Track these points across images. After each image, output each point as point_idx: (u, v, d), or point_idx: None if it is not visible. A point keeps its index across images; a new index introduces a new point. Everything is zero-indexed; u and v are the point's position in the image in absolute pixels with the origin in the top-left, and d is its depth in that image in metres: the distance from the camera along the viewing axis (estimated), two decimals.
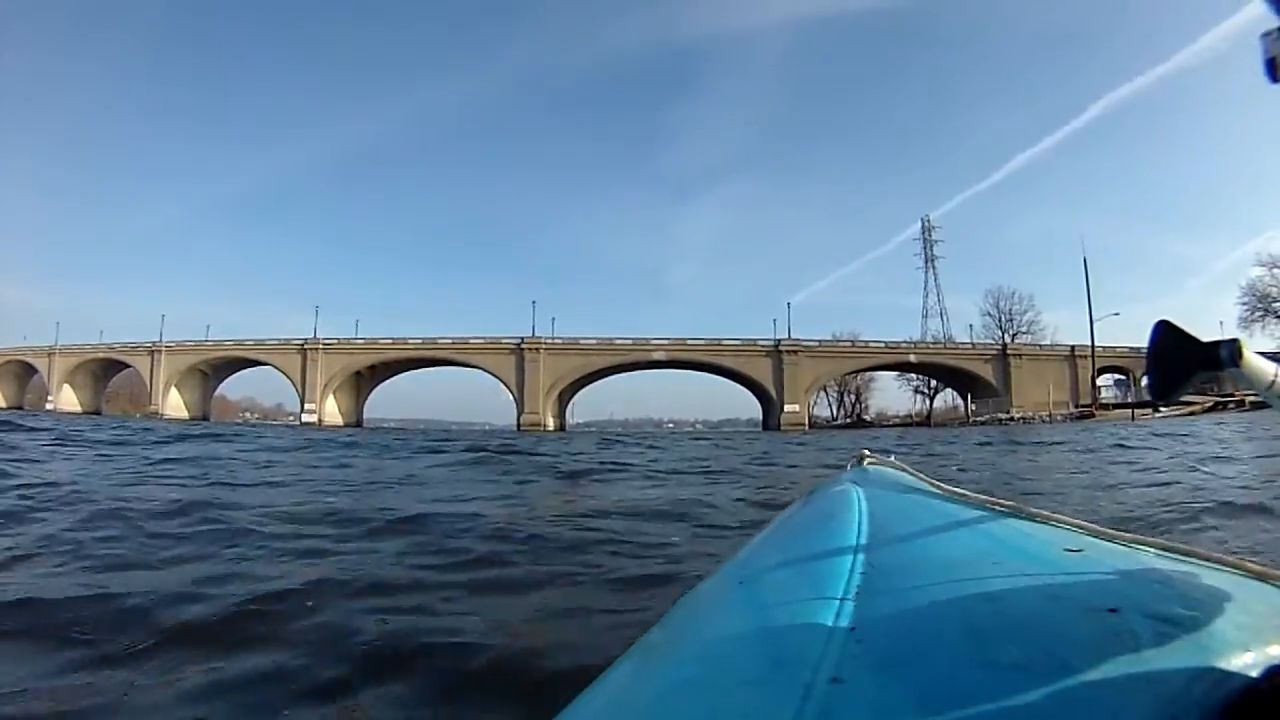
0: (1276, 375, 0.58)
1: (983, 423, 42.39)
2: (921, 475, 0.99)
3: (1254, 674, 0.45)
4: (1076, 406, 44.02)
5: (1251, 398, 28.89)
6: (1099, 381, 46.90)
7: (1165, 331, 0.60)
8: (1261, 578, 0.62)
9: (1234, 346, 0.56)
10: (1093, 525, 0.74)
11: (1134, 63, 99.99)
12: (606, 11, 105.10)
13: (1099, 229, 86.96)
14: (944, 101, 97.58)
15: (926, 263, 57.40)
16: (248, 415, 65.37)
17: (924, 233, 57.55)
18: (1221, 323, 41.91)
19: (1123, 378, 49.90)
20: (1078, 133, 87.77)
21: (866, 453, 1.10)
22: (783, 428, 42.22)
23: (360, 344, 50.14)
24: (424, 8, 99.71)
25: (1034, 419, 41.91)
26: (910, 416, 54.00)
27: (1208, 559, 0.65)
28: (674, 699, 0.53)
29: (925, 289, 57.93)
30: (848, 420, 54.32)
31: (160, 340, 52.19)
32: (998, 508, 0.81)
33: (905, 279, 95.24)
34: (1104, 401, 44.29)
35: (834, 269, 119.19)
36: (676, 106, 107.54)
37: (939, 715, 0.43)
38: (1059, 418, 41.55)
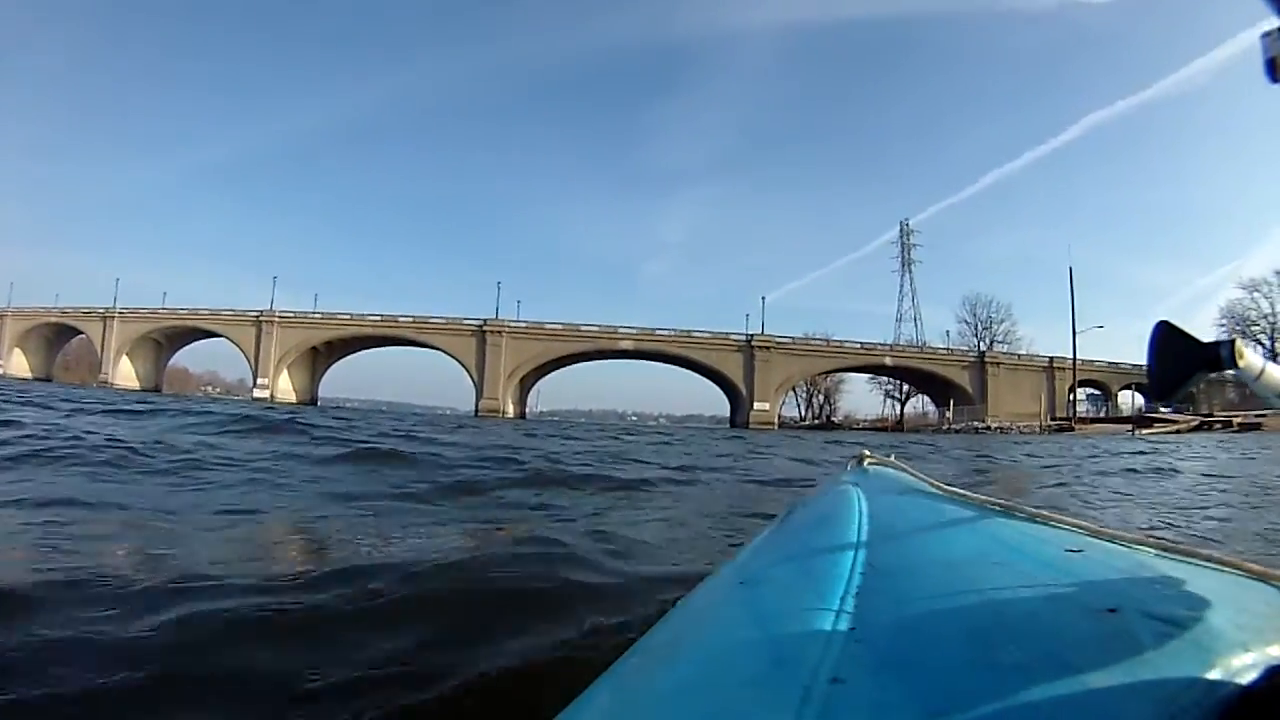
0: (1275, 375, 0.58)
1: (958, 430, 41.35)
2: (921, 475, 0.99)
3: (1254, 674, 0.45)
4: (1053, 419, 43.19)
5: (1240, 419, 28.35)
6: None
7: (1166, 331, 0.60)
8: (1261, 578, 0.63)
9: (1233, 347, 0.56)
10: (1093, 525, 0.75)
11: (1116, 88, 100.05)
12: (593, 4, 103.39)
13: (1070, 249, 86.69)
14: (924, 113, 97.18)
15: (903, 266, 56.42)
16: (209, 389, 63.59)
17: (902, 236, 56.51)
18: None
19: (1097, 392, 49.21)
20: (1056, 152, 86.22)
21: (866, 453, 1.10)
22: (751, 426, 41.03)
23: (317, 318, 48.35)
24: None
25: (1011, 429, 40.88)
26: (880, 421, 52.92)
27: (1207, 559, 0.66)
28: (674, 699, 0.53)
29: (900, 292, 56.59)
30: (816, 422, 53.16)
31: (114, 306, 50.19)
32: (998, 508, 0.81)
33: (877, 287, 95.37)
34: (1080, 415, 43.59)
35: (806, 273, 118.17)
36: (658, 104, 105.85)
37: (939, 715, 0.43)
38: (1038, 429, 40.63)
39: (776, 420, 44.72)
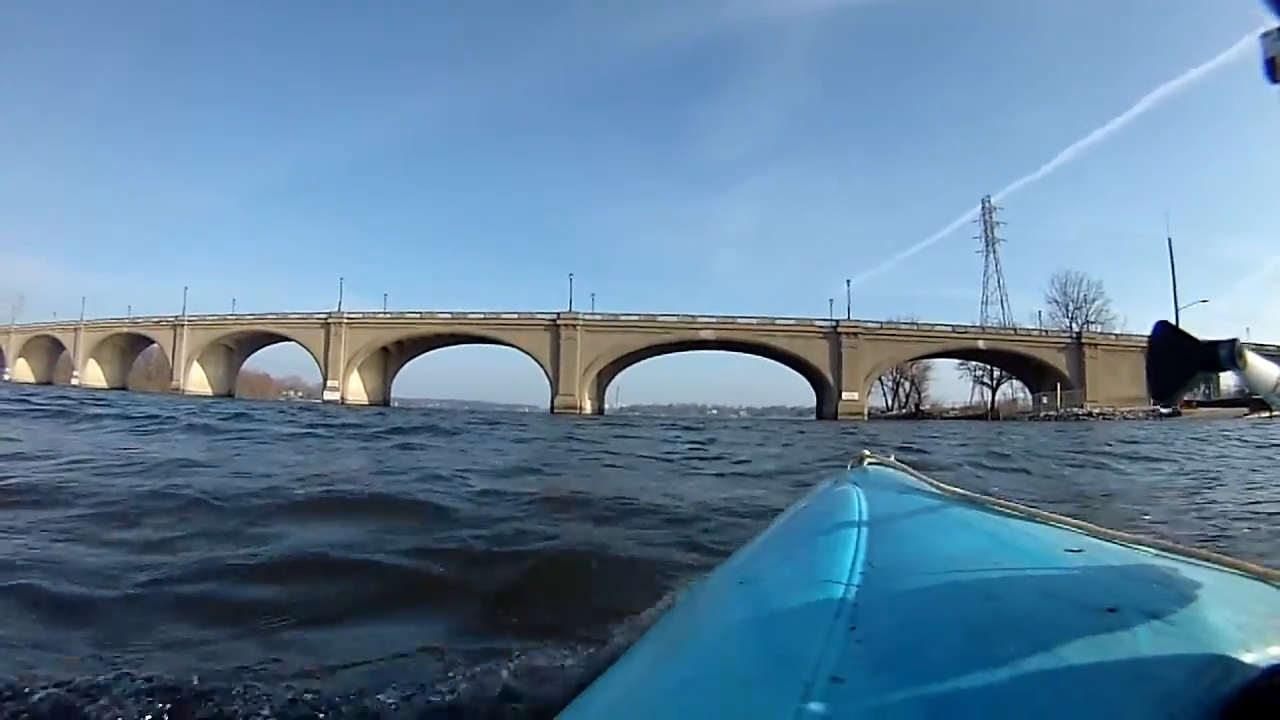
0: (1277, 376, 0.58)
1: (1056, 417, 38.32)
2: (921, 475, 1.01)
3: (1253, 673, 0.45)
4: (1155, 403, 39.82)
5: None
6: None
7: (1164, 331, 0.62)
8: (1261, 578, 0.64)
9: (1233, 346, 0.56)
10: (1092, 525, 0.75)
11: (1186, 56, 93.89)
12: (637, 5, 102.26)
13: (1147, 226, 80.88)
14: (987, 92, 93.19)
15: (987, 245, 52.93)
16: (290, 393, 63.83)
17: (985, 214, 52.98)
18: None
19: None
20: (1127, 126, 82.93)
21: (866, 453, 1.11)
22: (839, 417, 38.67)
23: (386, 318, 47.62)
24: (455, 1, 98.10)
25: (1114, 414, 37.76)
26: (971, 408, 49.79)
27: (1207, 559, 0.67)
28: (675, 697, 0.53)
29: (985, 273, 53.13)
30: (903, 411, 50.31)
31: (183, 314, 50.48)
32: (997, 507, 0.82)
33: (956, 271, 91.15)
34: (1187, 399, 40.25)
35: (881, 260, 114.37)
36: (709, 98, 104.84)
37: (939, 715, 0.43)
38: (1142, 414, 37.41)
39: (866, 411, 42.23)
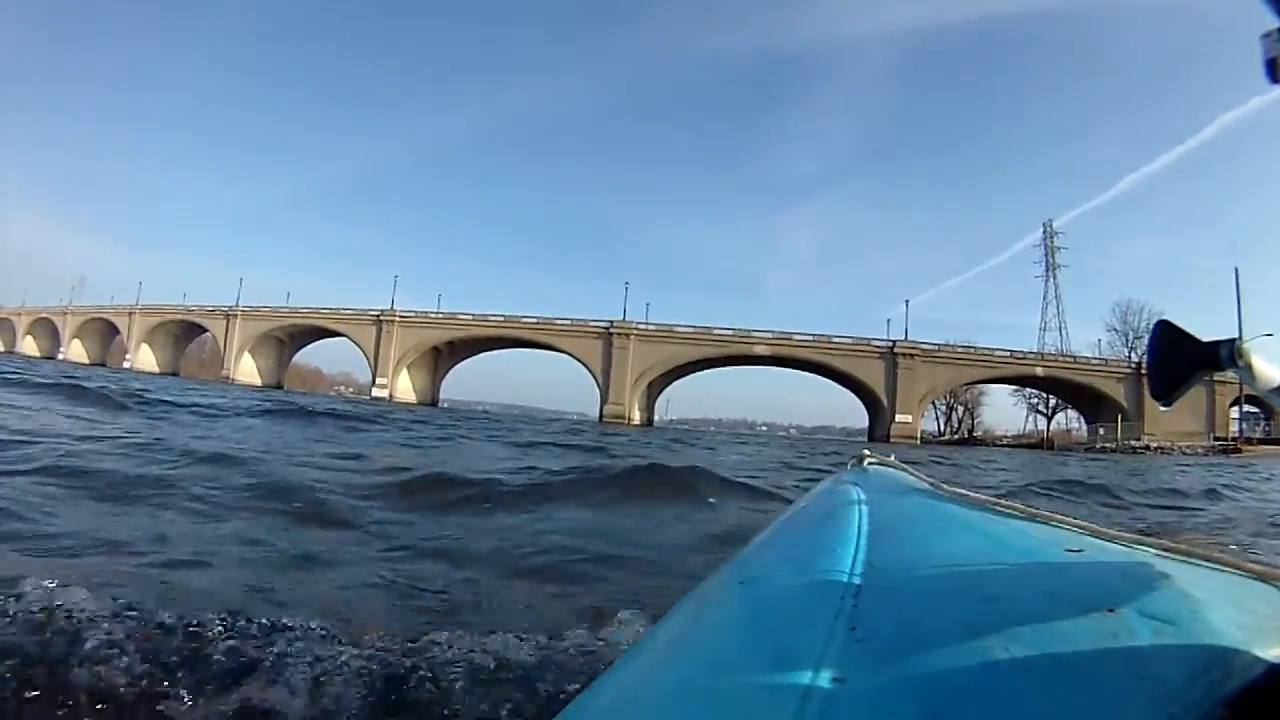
0: (1276, 375, 0.58)
1: (1111, 450, 37.20)
2: (921, 475, 1.01)
3: (1253, 673, 0.45)
4: (1215, 439, 38.52)
5: None
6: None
7: (1165, 331, 0.62)
8: (1261, 578, 0.63)
9: (1234, 346, 0.56)
10: (1093, 525, 0.75)
11: (1251, 82, 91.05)
12: (709, 17, 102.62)
13: (1211, 258, 78.09)
14: (1055, 119, 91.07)
15: (1047, 271, 51.56)
16: (341, 389, 64.76)
17: (1046, 239, 51.65)
18: None
19: (1256, 410, 43.75)
20: (1191, 154, 79.64)
21: (867, 453, 1.11)
22: (891, 439, 37.96)
23: (439, 318, 47.92)
24: (524, 7, 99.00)
25: (1173, 449, 36.53)
26: (1024, 437, 48.56)
27: (1208, 559, 0.66)
28: (675, 698, 0.53)
29: (1045, 299, 51.74)
30: (955, 437, 49.24)
31: (237, 304, 51.31)
32: (998, 508, 0.81)
33: (1011, 298, 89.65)
34: (1246, 435, 38.88)
35: (934, 284, 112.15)
36: (777, 115, 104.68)
37: (939, 715, 0.43)
38: (1201, 449, 36.19)
39: (919, 434, 41.41)
